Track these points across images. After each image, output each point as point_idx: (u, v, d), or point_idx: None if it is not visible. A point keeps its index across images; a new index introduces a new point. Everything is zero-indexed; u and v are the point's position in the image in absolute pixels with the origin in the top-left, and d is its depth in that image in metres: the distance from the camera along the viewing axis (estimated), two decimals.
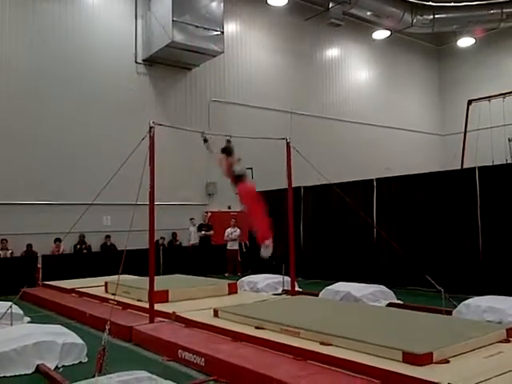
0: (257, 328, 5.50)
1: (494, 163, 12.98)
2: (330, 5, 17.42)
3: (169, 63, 15.75)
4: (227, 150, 7.26)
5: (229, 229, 14.23)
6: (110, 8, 15.06)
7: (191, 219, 15.16)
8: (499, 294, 7.16)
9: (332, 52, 20.54)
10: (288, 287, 8.85)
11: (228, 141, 7.50)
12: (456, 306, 6.70)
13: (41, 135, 13.46)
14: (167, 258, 12.97)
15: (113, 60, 14.89)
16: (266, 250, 6.96)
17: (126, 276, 9.31)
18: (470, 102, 17.94)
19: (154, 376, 3.86)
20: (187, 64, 16.10)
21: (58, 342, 5.23)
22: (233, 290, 8.53)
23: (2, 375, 4.87)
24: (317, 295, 8.49)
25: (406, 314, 6.18)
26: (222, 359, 4.71)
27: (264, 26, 18.33)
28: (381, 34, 20.71)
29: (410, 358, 4.03)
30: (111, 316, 5.66)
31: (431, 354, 4.06)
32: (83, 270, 11.71)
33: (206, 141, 7.39)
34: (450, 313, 6.61)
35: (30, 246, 12.73)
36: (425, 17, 19.53)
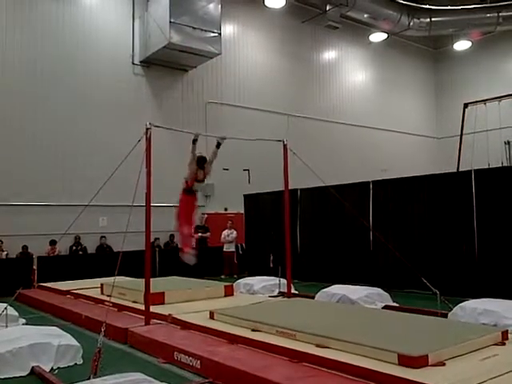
0: (253, 330, 5.50)
1: (490, 166, 13.03)
2: (328, 7, 17.49)
3: (166, 64, 15.74)
4: (200, 161, 7.38)
5: (225, 231, 14.23)
6: (107, 9, 15.05)
7: None
8: (495, 297, 7.18)
9: (329, 54, 20.58)
10: (284, 289, 8.85)
11: (217, 145, 7.58)
12: (451, 309, 6.71)
13: (37, 136, 13.42)
14: (163, 259, 12.94)
15: (110, 61, 14.88)
16: (186, 257, 7.47)
17: (122, 278, 9.26)
18: (466, 105, 17.99)
19: (150, 378, 3.86)
20: (184, 65, 16.10)
21: (53, 343, 5.21)
22: (229, 292, 8.52)
23: None
24: (313, 297, 8.49)
25: (402, 316, 6.19)
26: (217, 361, 4.70)
27: (261, 28, 18.36)
28: (378, 37, 20.77)
29: (405, 361, 4.03)
30: (107, 318, 5.66)
31: (427, 356, 4.06)
32: (79, 271, 11.68)
33: (194, 142, 7.36)
34: (445, 315, 6.62)
35: (25, 247, 12.68)
36: (421, 20, 19.60)
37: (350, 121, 20.46)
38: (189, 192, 7.52)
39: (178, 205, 7.58)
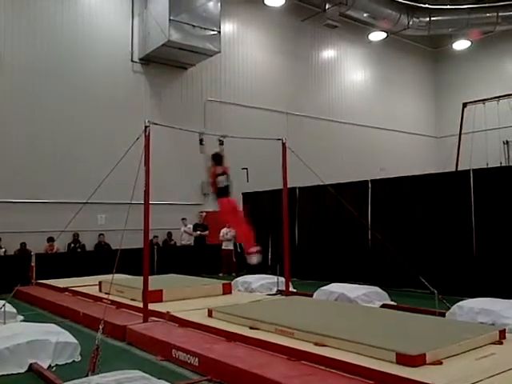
0: (251, 328, 5.50)
1: (489, 166, 13.05)
2: (327, 6, 17.48)
3: (165, 62, 15.73)
4: (216, 158, 7.29)
5: (224, 229, 14.21)
6: (106, 6, 15.01)
7: (183, 219, 15.13)
8: (493, 296, 7.20)
9: (328, 53, 20.58)
10: (282, 288, 8.86)
11: (221, 142, 7.56)
12: (449, 308, 6.72)
13: (35, 133, 13.40)
14: (162, 257, 12.94)
15: (109, 58, 14.85)
16: (252, 259, 7.02)
17: (120, 275, 9.29)
18: (465, 105, 18.05)
19: (148, 375, 3.85)
20: (183, 63, 16.08)
21: (51, 340, 5.20)
22: (227, 290, 8.53)
23: None
24: (311, 296, 8.50)
25: (400, 315, 6.20)
26: (215, 359, 4.71)
27: (261, 26, 18.35)
28: (377, 36, 20.78)
29: (403, 359, 4.04)
30: (105, 315, 5.66)
31: (424, 355, 4.07)
32: (77, 268, 11.66)
33: (201, 142, 7.41)
34: (443, 314, 6.63)
35: (23, 244, 12.69)
36: (421, 19, 19.61)
37: (349, 120, 20.47)
38: (221, 193, 7.16)
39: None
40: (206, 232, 14.72)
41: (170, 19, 14.15)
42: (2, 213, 12.53)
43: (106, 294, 7.65)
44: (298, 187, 12.75)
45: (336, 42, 20.54)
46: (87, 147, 14.09)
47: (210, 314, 6.31)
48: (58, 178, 13.53)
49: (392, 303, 8.16)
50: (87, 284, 9.57)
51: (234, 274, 12.94)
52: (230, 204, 7.23)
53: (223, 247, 14.13)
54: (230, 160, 16.76)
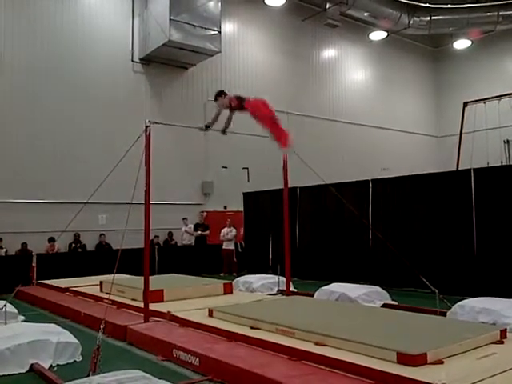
0: (252, 328, 5.50)
1: (490, 165, 13.04)
2: (327, 5, 17.47)
3: (165, 62, 15.72)
4: (219, 93, 7.19)
5: (224, 229, 14.23)
6: (106, 6, 15.01)
7: (183, 219, 15.11)
8: (494, 296, 7.19)
9: (329, 52, 20.57)
10: (283, 287, 8.85)
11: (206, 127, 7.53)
12: (450, 307, 6.71)
13: (35, 133, 13.40)
14: (162, 257, 12.94)
15: (109, 58, 14.86)
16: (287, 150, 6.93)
17: (121, 275, 9.29)
18: (465, 104, 18.03)
19: (148, 375, 3.85)
20: (184, 63, 16.08)
21: (52, 340, 5.21)
22: (228, 289, 8.53)
23: None
24: (312, 295, 8.50)
25: (401, 314, 6.19)
26: (216, 359, 4.71)
27: (261, 26, 18.35)
28: (377, 35, 20.76)
29: (404, 359, 4.03)
30: (106, 315, 5.66)
31: (425, 354, 4.07)
32: (78, 268, 11.67)
33: (206, 127, 7.43)
34: (444, 314, 6.63)
35: (24, 244, 12.69)
36: (421, 18, 19.61)
37: (350, 119, 20.46)
38: (241, 99, 7.31)
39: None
40: (207, 232, 14.72)
41: (170, 19, 14.15)
42: (3, 213, 12.53)
43: (106, 294, 7.66)
44: (299, 187, 12.74)
45: (337, 41, 20.53)
46: (87, 147, 14.09)
47: (210, 314, 6.31)
48: (59, 178, 13.54)
49: (393, 303, 8.15)
50: (88, 284, 9.57)
51: (234, 274, 12.94)
52: (258, 100, 7.36)
53: (224, 247, 14.14)
54: (231, 160, 16.80)
